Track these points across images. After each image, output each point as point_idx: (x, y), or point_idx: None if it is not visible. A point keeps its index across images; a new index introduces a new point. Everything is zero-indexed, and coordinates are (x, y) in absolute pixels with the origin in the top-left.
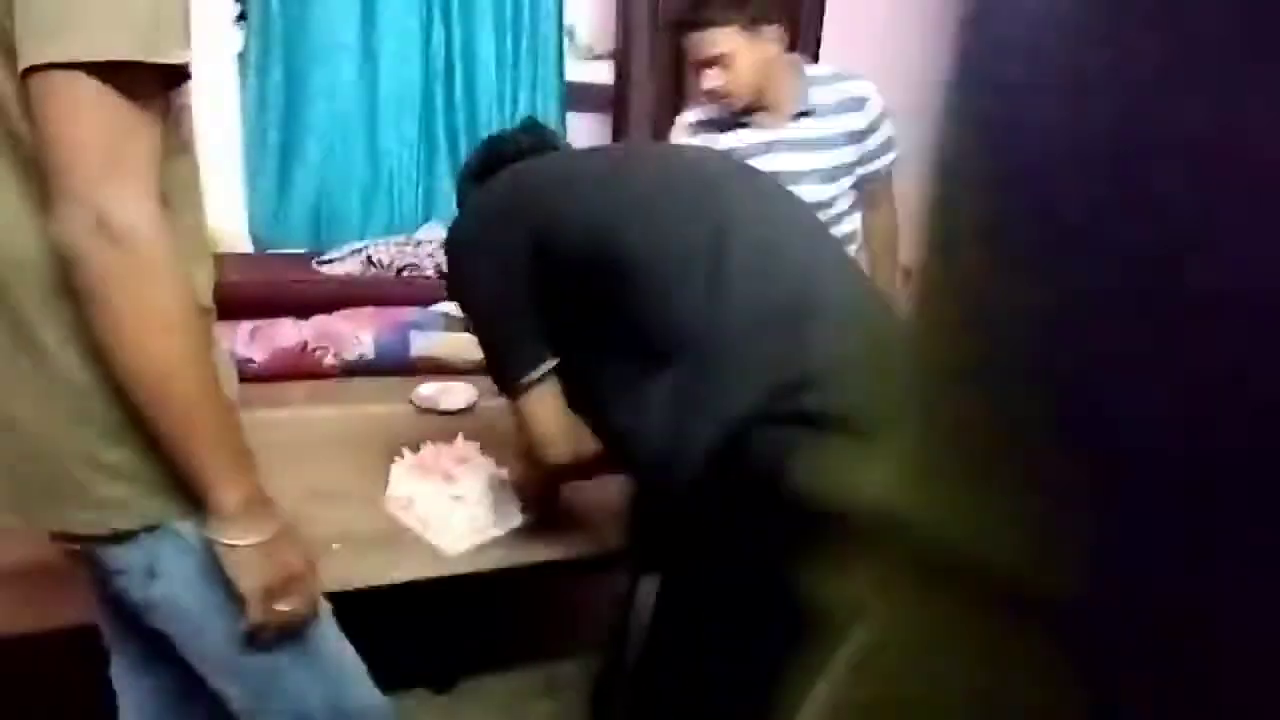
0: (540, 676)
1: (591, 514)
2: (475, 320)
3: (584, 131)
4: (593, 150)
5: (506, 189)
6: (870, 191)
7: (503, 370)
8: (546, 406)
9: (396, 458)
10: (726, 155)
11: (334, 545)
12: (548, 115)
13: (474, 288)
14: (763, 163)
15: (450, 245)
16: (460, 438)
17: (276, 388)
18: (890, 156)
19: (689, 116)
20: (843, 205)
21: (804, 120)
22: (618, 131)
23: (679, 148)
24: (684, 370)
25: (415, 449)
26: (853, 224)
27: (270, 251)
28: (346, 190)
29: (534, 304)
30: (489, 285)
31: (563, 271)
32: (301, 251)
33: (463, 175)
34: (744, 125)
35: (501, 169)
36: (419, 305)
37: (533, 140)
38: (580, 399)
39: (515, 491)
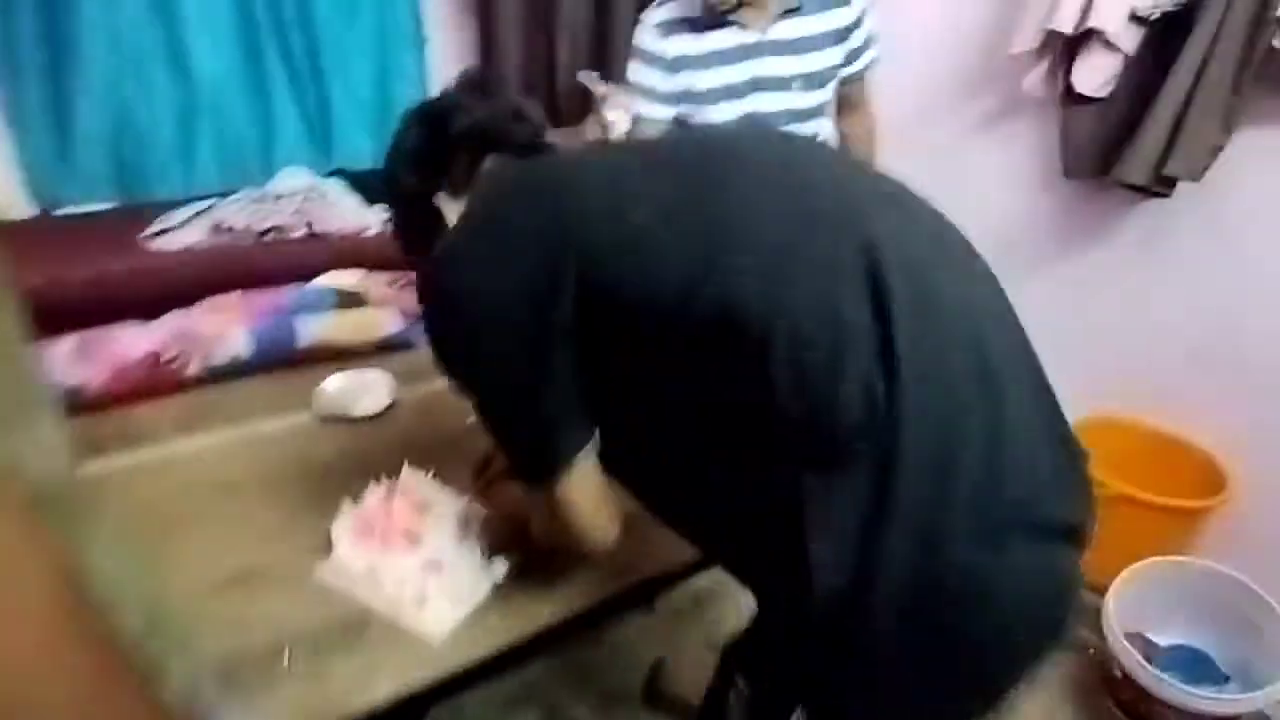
0: (517, 684)
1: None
2: (493, 393)
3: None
4: (638, 150)
5: (523, 213)
6: (845, 94)
7: (539, 456)
8: (589, 485)
9: (343, 505)
10: (830, 147)
11: (284, 656)
12: (400, 17)
13: (493, 352)
14: (746, 69)
15: (441, 296)
16: (405, 468)
17: (127, 416)
18: (870, 55)
19: (656, 16)
20: (825, 113)
21: (790, 19)
22: (485, 36)
23: (767, 139)
24: (861, 475)
25: (341, 484)
26: (828, 130)
27: (62, 213)
28: (152, 124)
29: (575, 363)
30: (516, 347)
31: (637, 332)
32: (110, 208)
33: (399, 165)
34: (723, 25)
35: (457, 153)
36: (294, 279)
37: (497, 113)
38: (640, 482)
39: (490, 535)
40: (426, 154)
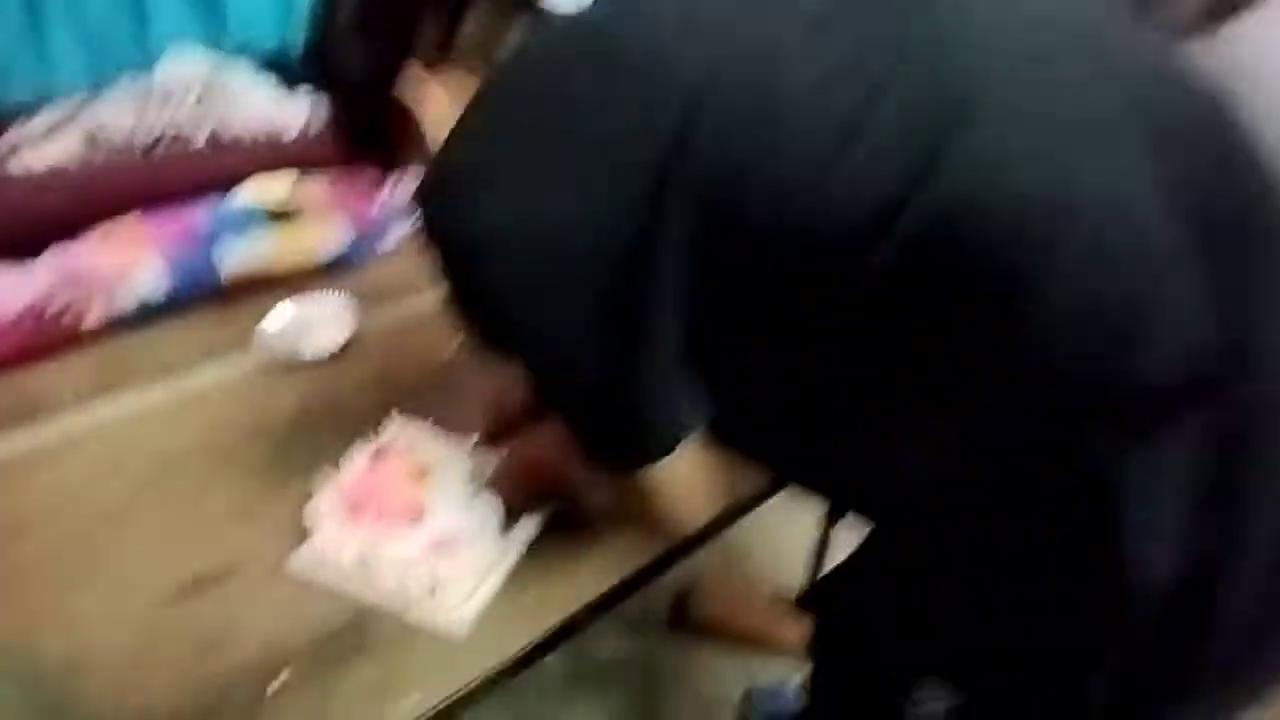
0: None
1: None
2: (560, 369)
3: None
4: None
5: (589, 89)
6: None
7: (628, 445)
8: (692, 468)
9: (317, 478)
10: None
11: (276, 681)
12: None
13: (558, 313)
14: None
15: (458, 236)
16: (392, 419)
17: (15, 385)
18: None
19: None
20: None
21: None
22: None
23: None
24: (1190, 445)
25: (310, 445)
26: None
27: None
28: None
29: (686, 314)
30: (596, 302)
31: (802, 266)
32: None
33: (338, 39)
34: None
35: (423, 7)
36: (204, 194)
37: None
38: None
39: (507, 489)
40: (379, 16)
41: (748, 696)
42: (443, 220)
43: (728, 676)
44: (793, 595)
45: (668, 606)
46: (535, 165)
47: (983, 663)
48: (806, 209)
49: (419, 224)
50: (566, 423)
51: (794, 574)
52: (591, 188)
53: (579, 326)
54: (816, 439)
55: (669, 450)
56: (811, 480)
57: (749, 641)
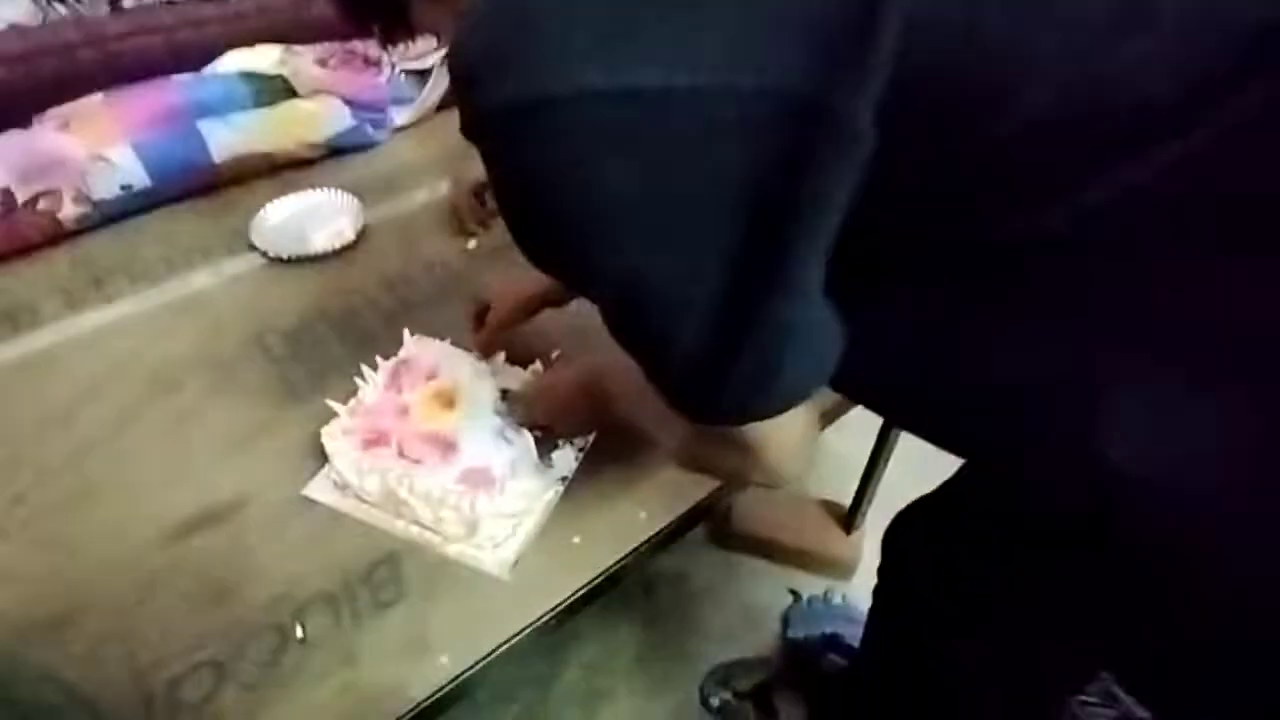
0: None
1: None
2: (664, 298)
3: None
4: None
5: None
6: None
7: (749, 395)
8: (802, 417)
9: (334, 402)
10: None
11: (298, 631)
12: None
13: (675, 220)
14: None
15: (520, 120)
16: (409, 339)
17: None
18: None
19: None
20: None
21: None
22: None
23: None
24: None
25: (319, 357)
26: None
27: None
28: None
29: (832, 244)
30: (726, 211)
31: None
32: None
33: None
34: None
35: None
36: (180, 67)
37: None
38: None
39: (539, 412)
40: None
41: (791, 612)
42: (503, 93)
43: (771, 592)
44: (842, 510)
45: (710, 520)
46: (654, 11)
47: (1207, 674)
48: (1055, 87)
49: (462, 100)
50: (654, 368)
51: (842, 488)
52: (745, 46)
53: (705, 244)
54: (988, 393)
55: (795, 404)
56: (954, 436)
57: (793, 557)
